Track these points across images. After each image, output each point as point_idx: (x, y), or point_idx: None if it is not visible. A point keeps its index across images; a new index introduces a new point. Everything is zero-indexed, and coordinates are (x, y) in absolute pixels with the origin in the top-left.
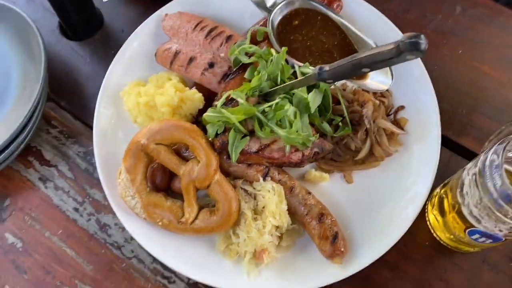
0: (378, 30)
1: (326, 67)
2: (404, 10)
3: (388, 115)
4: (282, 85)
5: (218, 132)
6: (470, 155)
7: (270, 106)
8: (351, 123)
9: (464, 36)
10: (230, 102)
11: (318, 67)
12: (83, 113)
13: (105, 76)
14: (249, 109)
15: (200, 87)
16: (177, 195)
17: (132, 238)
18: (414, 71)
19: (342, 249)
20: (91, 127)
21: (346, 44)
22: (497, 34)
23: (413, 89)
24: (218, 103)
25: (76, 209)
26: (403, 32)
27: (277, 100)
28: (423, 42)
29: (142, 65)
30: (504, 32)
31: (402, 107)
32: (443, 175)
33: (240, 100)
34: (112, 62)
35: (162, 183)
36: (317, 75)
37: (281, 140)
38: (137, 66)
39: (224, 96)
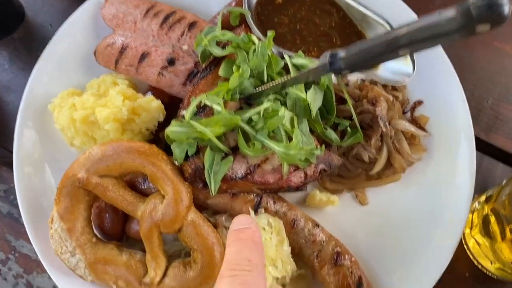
0: (379, 4)
1: (341, 53)
2: None
3: (403, 112)
4: (272, 84)
5: (189, 154)
6: (504, 156)
7: (258, 113)
8: (361, 127)
9: None
10: (202, 110)
11: (328, 53)
12: (2, 136)
13: (27, 85)
14: (230, 118)
15: (158, 92)
16: (136, 243)
17: None
18: (430, 54)
19: None
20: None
21: (347, 24)
22: None
23: (431, 78)
24: (186, 113)
25: None
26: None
27: (266, 104)
28: (506, 3)
29: (77, 68)
30: None
31: (420, 102)
32: (475, 182)
33: (217, 107)
34: (35, 66)
35: (113, 227)
36: (328, 66)
37: (275, 156)
38: (70, 70)
39: (193, 103)
